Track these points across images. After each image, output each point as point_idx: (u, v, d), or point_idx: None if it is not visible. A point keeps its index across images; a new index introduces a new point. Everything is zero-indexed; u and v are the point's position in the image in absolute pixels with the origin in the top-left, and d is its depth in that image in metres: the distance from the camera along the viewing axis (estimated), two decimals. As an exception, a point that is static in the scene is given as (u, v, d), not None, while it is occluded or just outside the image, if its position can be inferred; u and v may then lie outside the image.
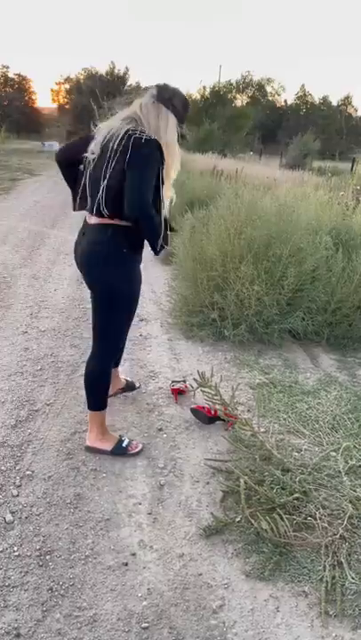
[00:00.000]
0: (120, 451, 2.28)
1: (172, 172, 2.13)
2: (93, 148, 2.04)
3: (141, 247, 2.17)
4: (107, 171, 1.97)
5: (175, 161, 2.14)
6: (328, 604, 1.62)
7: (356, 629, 1.55)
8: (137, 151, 1.93)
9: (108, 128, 2.03)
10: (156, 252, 2.09)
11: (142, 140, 1.94)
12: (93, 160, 2.05)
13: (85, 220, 2.18)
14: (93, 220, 2.09)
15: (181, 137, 2.13)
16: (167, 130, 2.03)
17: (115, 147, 1.96)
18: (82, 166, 2.11)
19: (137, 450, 2.30)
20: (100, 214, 2.04)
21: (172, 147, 2.08)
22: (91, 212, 2.09)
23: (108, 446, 2.28)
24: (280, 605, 1.62)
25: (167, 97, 2.05)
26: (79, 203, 2.16)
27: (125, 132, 1.96)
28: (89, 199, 2.10)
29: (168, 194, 2.15)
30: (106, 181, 1.98)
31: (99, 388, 2.28)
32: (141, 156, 1.94)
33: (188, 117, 2.20)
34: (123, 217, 2.00)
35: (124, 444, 2.29)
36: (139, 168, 1.93)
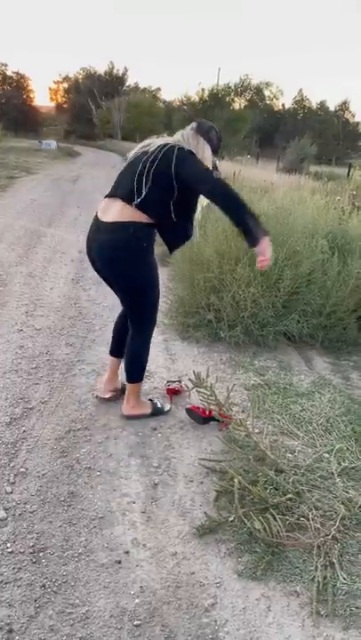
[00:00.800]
0: (158, 411, 2.58)
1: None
2: (136, 151, 2.31)
3: (154, 240, 2.36)
4: (149, 172, 2.16)
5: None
6: (319, 603, 1.63)
7: (347, 629, 1.56)
8: (182, 156, 2.16)
9: (151, 140, 2.31)
10: (249, 235, 2.12)
11: (185, 150, 2.20)
12: (131, 158, 2.30)
13: (98, 218, 2.31)
14: (111, 216, 2.23)
15: (214, 168, 2.34)
16: (203, 157, 2.25)
17: (159, 152, 2.18)
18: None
19: (168, 408, 2.63)
20: (126, 207, 2.20)
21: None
22: (122, 199, 2.23)
23: (146, 410, 2.56)
24: (272, 605, 1.63)
25: (205, 130, 2.30)
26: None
27: (172, 145, 2.21)
28: (117, 190, 2.28)
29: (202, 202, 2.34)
30: (150, 182, 2.15)
31: (140, 362, 2.51)
32: (189, 157, 2.18)
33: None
34: (149, 215, 2.20)
35: (159, 405, 2.60)
36: (189, 161, 2.16)
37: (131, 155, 2.34)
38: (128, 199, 2.20)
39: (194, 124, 2.34)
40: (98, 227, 2.30)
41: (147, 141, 2.31)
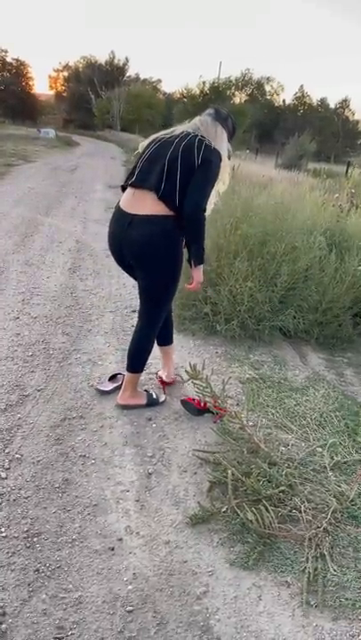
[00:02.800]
0: (153, 401, 2.60)
1: (220, 184, 2.33)
2: (157, 137, 2.32)
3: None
4: (177, 165, 2.17)
5: (224, 173, 2.33)
6: (310, 594, 1.65)
7: (336, 620, 1.58)
8: (207, 157, 2.17)
9: (172, 129, 2.33)
10: (194, 259, 2.29)
11: (212, 148, 2.20)
12: (155, 144, 2.29)
13: (125, 210, 2.28)
14: (144, 209, 2.22)
15: (228, 155, 2.39)
16: (222, 144, 2.29)
17: (183, 143, 2.19)
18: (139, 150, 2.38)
19: (163, 399, 2.65)
20: (159, 201, 2.20)
21: (224, 160, 2.30)
22: (153, 191, 2.20)
23: (142, 401, 2.58)
24: (263, 594, 1.65)
25: (223, 117, 2.34)
26: (126, 180, 2.37)
27: (194, 135, 2.22)
28: (145, 180, 2.24)
29: (212, 200, 2.33)
30: (179, 175, 2.16)
31: (143, 352, 2.52)
32: (211, 163, 2.19)
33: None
34: (180, 209, 2.19)
35: (154, 396, 2.62)
36: (208, 172, 2.19)
37: (145, 143, 2.36)
38: (159, 191, 2.19)
39: (211, 111, 2.37)
40: (130, 221, 2.25)
41: (165, 131, 2.34)
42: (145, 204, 2.23)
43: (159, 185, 2.19)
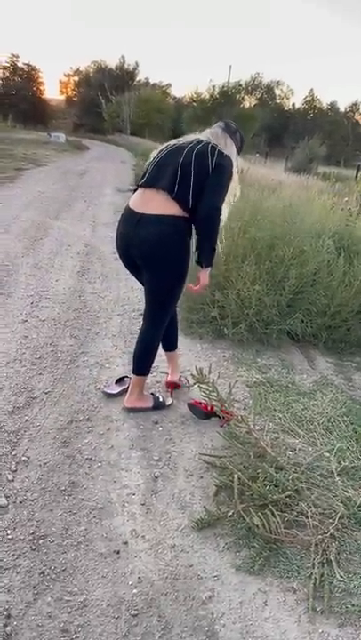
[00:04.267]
0: (160, 405, 2.60)
1: (231, 196, 2.36)
2: (168, 144, 2.37)
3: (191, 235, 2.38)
4: (191, 168, 2.20)
5: (233, 186, 2.36)
6: (316, 600, 1.64)
7: (342, 626, 1.57)
8: (221, 162, 2.22)
9: (182, 138, 2.39)
10: (204, 261, 2.28)
11: (224, 154, 2.26)
12: (166, 150, 2.33)
13: (134, 210, 2.29)
14: (154, 208, 2.24)
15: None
16: (231, 156, 2.33)
17: (197, 149, 2.24)
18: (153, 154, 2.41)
19: (169, 402, 2.64)
20: (172, 201, 2.23)
21: (234, 171, 2.35)
22: (165, 191, 2.23)
23: (148, 404, 2.58)
24: (268, 600, 1.64)
25: (232, 131, 2.41)
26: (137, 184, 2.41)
27: (206, 142, 2.27)
28: (157, 181, 2.27)
29: (225, 210, 2.35)
30: (193, 178, 2.19)
31: (149, 354, 2.52)
32: (224, 168, 2.24)
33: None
34: (192, 211, 2.23)
35: (160, 400, 2.61)
36: (222, 176, 2.24)
37: (156, 151, 2.40)
38: (173, 192, 2.21)
39: (221, 124, 2.44)
40: (139, 219, 2.26)
41: (177, 139, 2.39)
42: (155, 204, 2.25)
43: (172, 186, 2.21)
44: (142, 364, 2.53)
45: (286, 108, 50.68)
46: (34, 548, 1.73)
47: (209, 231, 2.23)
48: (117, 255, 2.49)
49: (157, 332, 2.51)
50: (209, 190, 2.19)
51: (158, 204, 2.24)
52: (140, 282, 2.52)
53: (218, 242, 2.36)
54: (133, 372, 2.53)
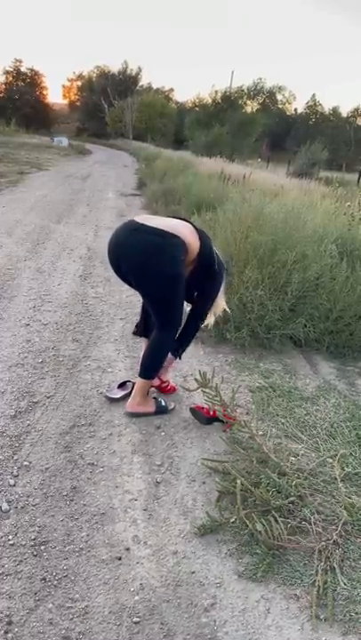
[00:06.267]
0: (162, 409, 2.58)
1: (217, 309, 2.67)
2: None
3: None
4: None
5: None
6: (319, 608, 1.62)
7: (346, 635, 1.55)
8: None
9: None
10: (181, 353, 2.73)
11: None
12: None
13: (134, 221, 2.33)
14: (156, 223, 2.31)
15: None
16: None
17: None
18: None
19: (172, 407, 2.64)
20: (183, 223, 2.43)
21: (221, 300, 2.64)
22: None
23: (150, 409, 2.56)
24: (271, 607, 1.63)
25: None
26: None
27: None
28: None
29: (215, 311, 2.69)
30: None
31: (157, 359, 2.53)
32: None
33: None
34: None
35: (163, 404, 2.60)
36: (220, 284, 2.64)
37: None
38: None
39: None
40: (136, 228, 2.28)
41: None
42: (157, 220, 2.32)
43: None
44: (150, 368, 2.51)
45: (288, 113, 50.82)
46: (35, 553, 1.72)
47: (196, 325, 2.61)
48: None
49: (168, 336, 2.48)
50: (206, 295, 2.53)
51: (164, 221, 2.35)
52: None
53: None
54: (139, 375, 2.52)
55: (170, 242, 2.25)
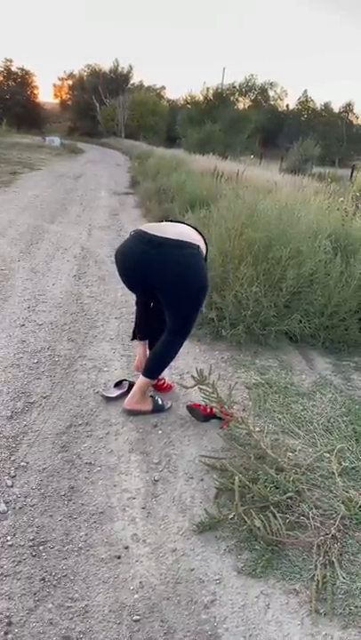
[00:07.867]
0: (159, 408, 2.58)
1: None
2: None
3: None
4: None
5: None
6: (318, 602, 1.63)
7: (345, 628, 1.56)
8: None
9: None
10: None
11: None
12: None
13: (147, 232, 2.31)
14: (173, 233, 2.29)
15: None
16: None
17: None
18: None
19: (169, 405, 2.62)
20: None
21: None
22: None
23: (148, 407, 2.55)
24: (271, 602, 1.63)
25: None
26: None
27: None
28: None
29: None
30: None
31: (165, 362, 2.55)
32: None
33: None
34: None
35: (160, 402, 2.59)
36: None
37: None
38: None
39: None
40: (159, 243, 2.25)
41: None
42: (171, 229, 2.32)
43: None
44: (154, 369, 2.54)
45: (280, 109, 50.82)
46: (34, 554, 1.72)
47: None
48: (114, 258, 2.48)
49: (181, 341, 2.50)
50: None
51: (177, 229, 2.35)
52: (145, 300, 2.57)
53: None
54: (143, 374, 2.52)
55: (198, 252, 2.30)
